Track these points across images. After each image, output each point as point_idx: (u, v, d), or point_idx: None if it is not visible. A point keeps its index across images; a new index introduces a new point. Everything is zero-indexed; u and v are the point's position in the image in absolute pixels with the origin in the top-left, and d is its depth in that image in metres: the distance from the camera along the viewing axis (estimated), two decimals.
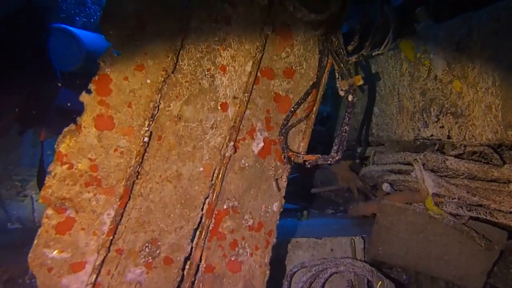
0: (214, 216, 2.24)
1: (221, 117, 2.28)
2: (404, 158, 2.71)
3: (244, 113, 2.31)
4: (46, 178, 1.87)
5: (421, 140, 2.60)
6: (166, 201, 2.19)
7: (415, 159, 2.47)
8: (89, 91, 1.94)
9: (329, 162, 2.15)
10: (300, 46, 2.41)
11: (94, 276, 1.91)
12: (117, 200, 2.05)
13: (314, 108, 2.42)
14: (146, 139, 2.07)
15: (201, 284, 2.14)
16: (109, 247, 2.00)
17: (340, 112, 3.75)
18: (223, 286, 2.17)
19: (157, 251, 2.16)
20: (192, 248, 2.20)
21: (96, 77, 1.94)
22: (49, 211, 1.88)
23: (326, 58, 2.42)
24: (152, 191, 2.16)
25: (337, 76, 2.40)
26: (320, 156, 2.21)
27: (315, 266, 2.64)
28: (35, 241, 1.86)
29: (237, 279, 2.25)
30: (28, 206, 4.57)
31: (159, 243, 2.17)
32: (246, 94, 2.29)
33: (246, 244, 2.29)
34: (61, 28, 2.87)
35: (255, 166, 2.36)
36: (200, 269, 2.16)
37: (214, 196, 2.24)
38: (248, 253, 2.28)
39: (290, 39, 2.38)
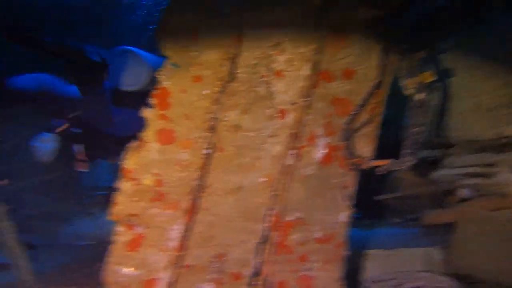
0: (280, 228, 2.13)
1: (280, 124, 2.19)
2: (485, 160, 2.42)
3: (304, 119, 2.20)
4: (115, 195, 1.89)
5: (505, 139, 2.31)
6: (228, 215, 2.13)
7: (501, 160, 2.18)
8: (149, 106, 1.96)
9: (403, 167, 1.97)
10: (359, 44, 2.26)
11: None
12: (182, 215, 2.02)
13: (379, 110, 2.25)
14: (206, 151, 2.03)
15: None
16: (178, 264, 1.97)
17: (398, 112, 3.50)
18: None
19: (224, 267, 2.09)
20: (258, 263, 2.10)
21: (156, 91, 1.95)
22: (120, 228, 1.89)
23: (388, 55, 2.25)
24: (215, 205, 2.11)
25: (402, 74, 2.22)
26: (393, 161, 2.02)
27: (389, 280, 2.42)
28: (109, 259, 1.87)
29: None
30: (94, 223, 4.79)
31: (225, 258, 2.10)
32: (304, 99, 2.18)
33: (316, 258, 2.15)
34: (126, 49, 3.01)
35: (318, 175, 2.23)
36: (269, 285, 2.05)
37: (279, 208, 2.14)
38: (319, 268, 2.13)
39: (348, 38, 2.25)
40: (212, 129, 2.07)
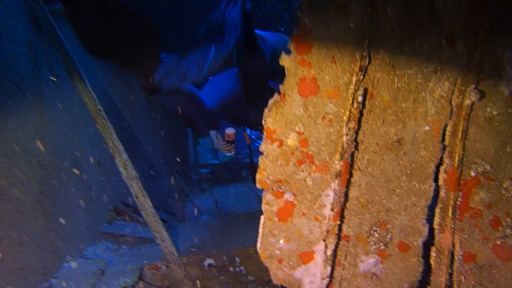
0: (459, 187, 1.67)
1: (448, 54, 1.68)
2: None
3: (483, 43, 1.65)
4: (260, 159, 1.65)
5: None
6: (388, 174, 1.75)
7: None
8: (288, 51, 1.63)
9: None
10: None
11: (328, 268, 1.61)
12: (333, 177, 1.70)
13: None
14: (360, 98, 1.64)
15: (462, 277, 1.62)
16: (337, 234, 1.68)
17: None
18: (495, 280, 1.60)
19: (388, 236, 1.74)
20: (434, 230, 1.70)
21: (295, 32, 1.61)
22: (268, 196, 1.66)
23: None
24: (371, 163, 1.74)
25: None
26: None
27: None
28: (261, 230, 1.67)
29: None
30: (209, 198, 4.89)
31: (388, 226, 1.75)
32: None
33: None
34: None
35: (508, 114, 1.68)
36: (456, 257, 1.64)
37: (456, 161, 1.67)
38: None
39: None
40: (363, 70, 1.67)
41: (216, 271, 3.05)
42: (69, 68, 2.65)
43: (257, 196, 4.78)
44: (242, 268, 3.03)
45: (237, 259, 3.05)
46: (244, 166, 7.02)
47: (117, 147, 2.80)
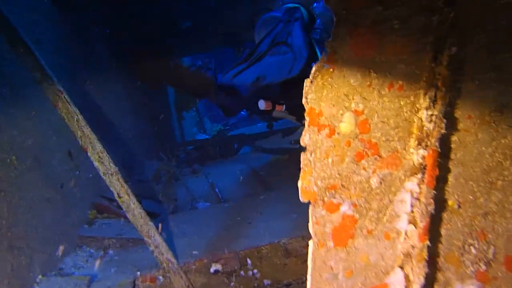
0: None
1: None
2: None
3: None
4: (302, 157, 1.05)
5: None
6: (485, 161, 1.18)
7: None
8: None
9: None
10: None
11: None
12: (408, 174, 1.13)
13: None
14: (454, 49, 1.03)
15: None
16: (418, 256, 1.13)
17: None
18: None
19: (490, 250, 1.20)
20: None
21: None
22: (318, 212, 1.08)
23: None
24: (461, 147, 1.17)
25: None
26: None
27: None
28: (311, 264, 1.10)
29: None
30: (204, 181, 4.29)
31: (489, 236, 1.20)
32: None
33: None
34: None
35: None
36: None
37: None
38: None
39: None
40: (449, 4, 1.04)
41: (225, 277, 2.53)
42: (11, 37, 1.97)
43: (257, 174, 4.22)
44: (255, 271, 2.54)
45: (249, 261, 2.54)
46: (233, 138, 6.56)
47: (88, 137, 2.17)
